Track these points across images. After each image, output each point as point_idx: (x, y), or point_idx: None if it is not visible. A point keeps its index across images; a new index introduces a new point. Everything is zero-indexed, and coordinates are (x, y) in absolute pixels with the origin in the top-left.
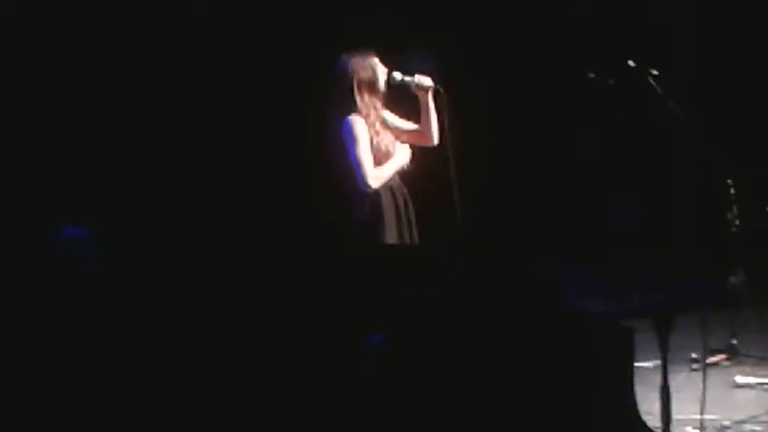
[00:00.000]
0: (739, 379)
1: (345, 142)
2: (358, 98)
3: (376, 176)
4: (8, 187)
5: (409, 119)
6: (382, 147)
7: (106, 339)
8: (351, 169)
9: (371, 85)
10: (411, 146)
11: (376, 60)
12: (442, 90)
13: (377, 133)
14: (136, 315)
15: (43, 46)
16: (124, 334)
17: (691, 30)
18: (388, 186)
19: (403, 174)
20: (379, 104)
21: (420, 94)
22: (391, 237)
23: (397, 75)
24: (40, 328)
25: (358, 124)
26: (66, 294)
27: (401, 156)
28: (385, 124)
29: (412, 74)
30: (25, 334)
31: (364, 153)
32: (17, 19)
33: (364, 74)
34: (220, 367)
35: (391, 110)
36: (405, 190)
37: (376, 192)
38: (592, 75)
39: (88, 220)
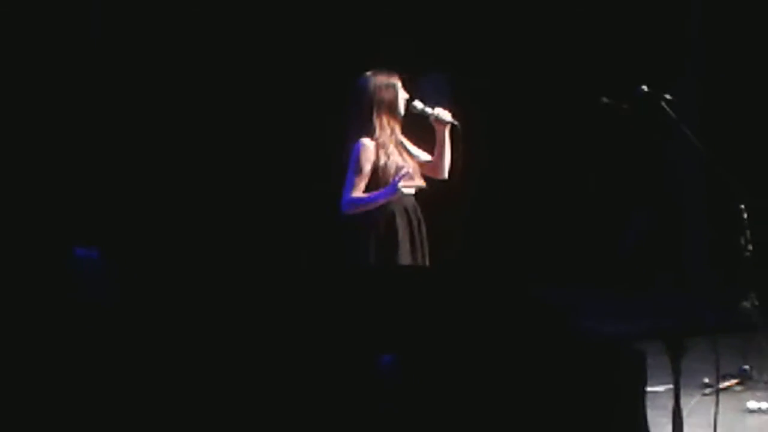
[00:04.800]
0: (752, 404)
1: (348, 164)
2: (375, 118)
3: (355, 203)
4: (18, 208)
5: (420, 147)
6: (391, 170)
7: (116, 359)
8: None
9: (391, 107)
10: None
11: (399, 83)
12: (459, 126)
13: (388, 156)
14: (146, 336)
15: (53, 60)
16: (133, 356)
17: (705, 55)
18: (402, 206)
19: (418, 195)
20: (397, 127)
21: (438, 127)
22: (404, 256)
23: (418, 104)
24: (50, 349)
25: (365, 149)
26: (77, 317)
27: (387, 191)
28: (400, 147)
29: (433, 101)
30: (35, 352)
31: (356, 180)
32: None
33: (385, 95)
34: (233, 387)
35: (405, 135)
36: (419, 212)
37: (392, 211)
38: (605, 100)
39: (99, 241)
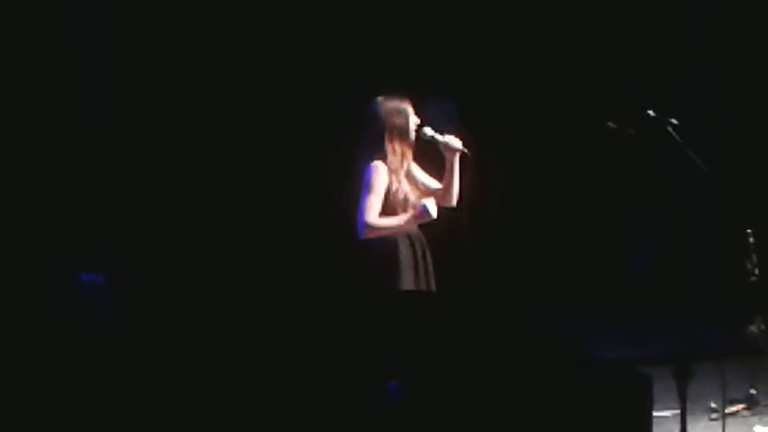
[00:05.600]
0: (758, 429)
1: (362, 187)
2: (387, 143)
3: (371, 226)
4: (22, 233)
5: (429, 173)
6: (400, 196)
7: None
8: (356, 213)
9: (402, 133)
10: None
11: (410, 108)
12: (469, 153)
13: (399, 182)
14: (149, 356)
15: (49, 69)
16: (136, 374)
17: (708, 79)
18: (406, 234)
19: (424, 225)
20: (408, 153)
21: (447, 154)
22: (407, 284)
23: (428, 131)
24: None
25: (379, 171)
26: (81, 341)
27: (407, 219)
28: (409, 175)
29: (443, 133)
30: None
31: (373, 201)
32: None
33: (398, 120)
34: (238, 413)
35: (414, 161)
36: (423, 239)
37: (394, 239)
38: (611, 124)
39: (104, 266)
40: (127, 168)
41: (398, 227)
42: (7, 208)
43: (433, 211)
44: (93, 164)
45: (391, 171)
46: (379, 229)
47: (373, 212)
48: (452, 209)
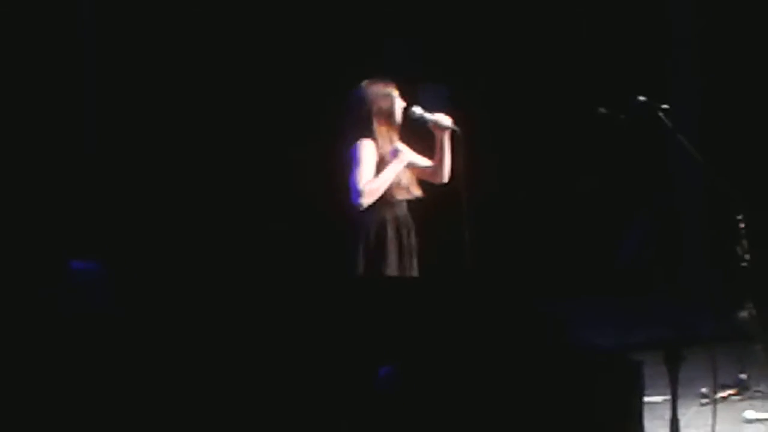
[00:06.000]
0: (749, 414)
1: (350, 164)
2: (375, 126)
3: (368, 189)
4: (15, 218)
5: (421, 153)
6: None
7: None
8: (347, 189)
9: (388, 115)
10: (421, 181)
11: (395, 91)
12: (459, 131)
13: (387, 165)
14: (147, 344)
15: (48, 63)
16: (134, 364)
17: (701, 65)
18: (394, 216)
19: (412, 205)
20: (395, 135)
21: (437, 132)
22: (392, 267)
23: (417, 110)
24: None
25: (365, 146)
26: (76, 327)
27: (393, 166)
28: None
29: (431, 111)
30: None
31: (363, 170)
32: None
33: (383, 104)
34: (231, 395)
35: (405, 142)
36: (410, 221)
37: (382, 221)
38: (602, 110)
39: (97, 254)
40: (125, 160)
41: (387, 179)
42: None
43: (403, 149)
44: (88, 158)
45: (381, 154)
46: (373, 190)
47: (363, 179)
48: (445, 186)
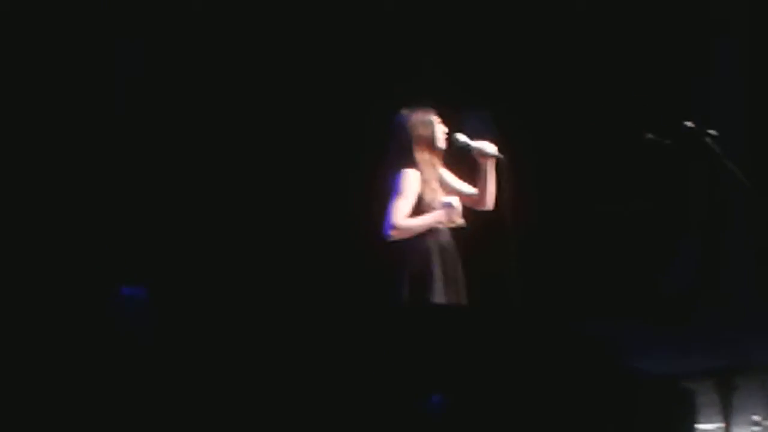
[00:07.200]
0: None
1: (391, 193)
2: (416, 154)
3: (403, 226)
4: (61, 247)
5: (464, 179)
6: (435, 205)
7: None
8: (383, 218)
9: (429, 143)
10: (465, 208)
11: (435, 118)
12: (503, 158)
13: (433, 191)
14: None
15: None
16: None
17: (748, 90)
18: (438, 244)
19: (456, 234)
20: (438, 162)
21: (481, 159)
22: (438, 294)
23: (461, 137)
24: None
25: (409, 176)
26: (122, 353)
27: (435, 215)
28: (442, 182)
29: (475, 138)
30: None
31: (401, 204)
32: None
33: (423, 131)
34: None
35: (448, 168)
36: (455, 249)
37: (426, 249)
38: (650, 136)
39: (144, 280)
40: (168, 184)
41: (424, 225)
42: (47, 223)
43: (457, 205)
44: (133, 180)
45: (424, 181)
46: (405, 229)
47: (400, 214)
48: (490, 214)
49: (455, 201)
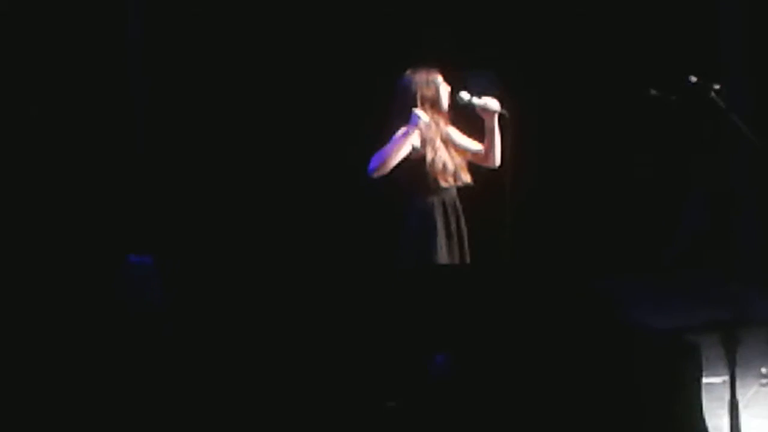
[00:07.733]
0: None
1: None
2: None
3: (373, 159)
4: (71, 215)
5: (471, 137)
6: (439, 165)
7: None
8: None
9: (434, 103)
10: (471, 165)
11: (439, 78)
12: (507, 114)
13: (435, 151)
14: (198, 340)
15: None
16: (185, 359)
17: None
18: (441, 202)
19: (461, 192)
20: (442, 121)
21: (485, 116)
22: (440, 252)
23: (464, 95)
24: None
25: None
26: (130, 321)
27: (401, 131)
28: (447, 141)
29: (479, 95)
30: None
31: (390, 149)
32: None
33: (427, 91)
34: (281, 391)
35: (455, 127)
36: (458, 206)
37: (429, 206)
38: (654, 91)
39: (152, 248)
40: (178, 157)
41: (395, 148)
42: (57, 196)
43: (423, 116)
44: (142, 153)
45: (427, 141)
46: (379, 159)
47: (387, 155)
48: (494, 170)
49: (419, 112)
